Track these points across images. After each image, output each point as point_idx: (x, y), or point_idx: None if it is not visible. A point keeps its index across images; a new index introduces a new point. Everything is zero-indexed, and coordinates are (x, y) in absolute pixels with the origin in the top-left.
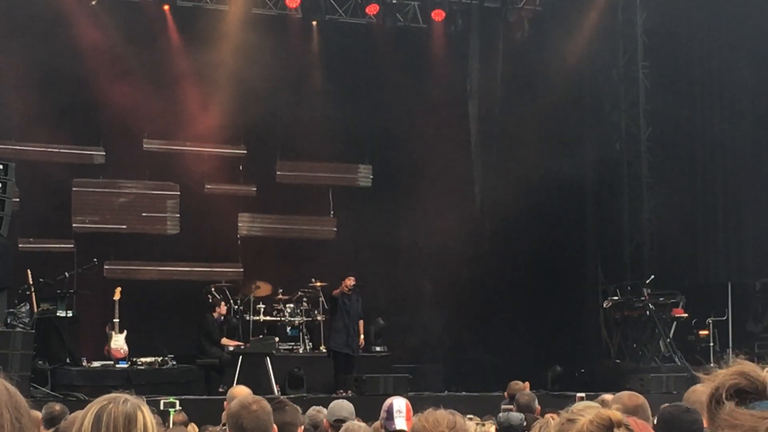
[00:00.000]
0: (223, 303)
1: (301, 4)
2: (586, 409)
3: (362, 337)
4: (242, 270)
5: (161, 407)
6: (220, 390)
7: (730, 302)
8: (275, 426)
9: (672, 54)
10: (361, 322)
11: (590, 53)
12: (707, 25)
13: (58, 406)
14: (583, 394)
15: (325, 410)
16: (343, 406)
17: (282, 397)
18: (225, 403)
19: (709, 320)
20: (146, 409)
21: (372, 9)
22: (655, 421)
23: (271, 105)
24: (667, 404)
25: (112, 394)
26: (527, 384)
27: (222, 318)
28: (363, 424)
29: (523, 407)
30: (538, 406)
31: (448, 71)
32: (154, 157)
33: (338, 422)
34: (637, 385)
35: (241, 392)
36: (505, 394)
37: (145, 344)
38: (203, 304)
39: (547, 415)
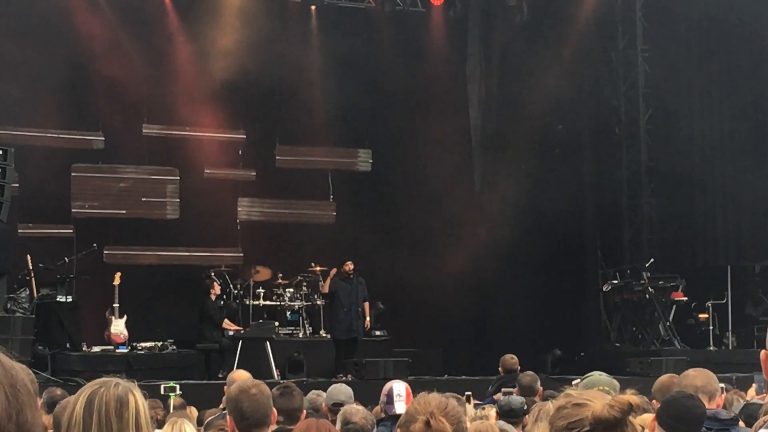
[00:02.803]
0: (215, 284)
1: None
2: (589, 393)
3: (368, 319)
4: (242, 255)
5: (162, 392)
6: (220, 375)
7: (730, 285)
8: (275, 410)
9: (671, 37)
10: (367, 304)
11: (589, 37)
12: (706, 8)
13: (59, 391)
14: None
15: (324, 394)
16: (341, 390)
17: (290, 381)
18: (225, 387)
19: (709, 304)
20: (138, 392)
21: None
22: (659, 406)
23: (271, 90)
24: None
25: (103, 378)
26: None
27: (222, 302)
28: (361, 407)
29: (525, 388)
30: (540, 387)
31: (447, 55)
32: (154, 142)
33: (336, 406)
34: (637, 368)
35: (240, 376)
36: (500, 369)
37: (144, 329)
38: (203, 289)
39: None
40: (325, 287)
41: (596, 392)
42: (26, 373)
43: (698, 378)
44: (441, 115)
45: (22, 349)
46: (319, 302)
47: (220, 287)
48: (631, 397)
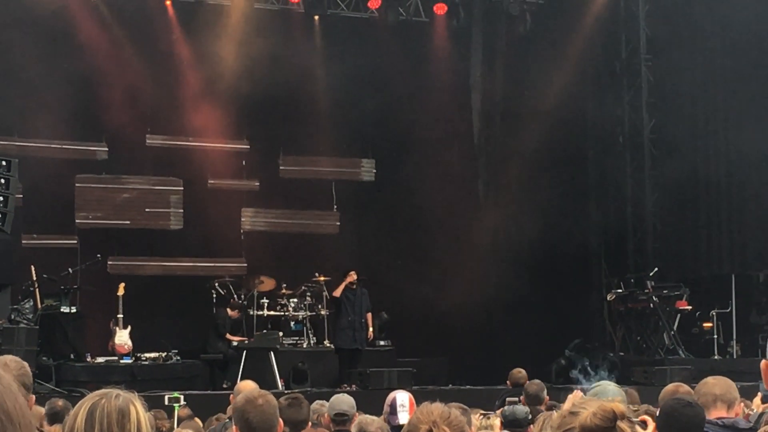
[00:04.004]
0: (240, 311)
1: None
2: (589, 402)
3: (371, 330)
4: (246, 265)
5: (166, 402)
6: (225, 385)
7: (734, 294)
8: (281, 420)
9: (675, 45)
10: (369, 315)
11: (592, 46)
12: (711, 17)
13: (60, 402)
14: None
15: (327, 404)
16: (343, 399)
17: (298, 393)
18: (231, 396)
19: (713, 312)
20: (138, 403)
21: (374, 3)
22: (657, 415)
23: (274, 99)
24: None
25: (104, 390)
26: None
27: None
28: (375, 417)
29: (531, 397)
30: (546, 396)
31: (451, 65)
32: (157, 152)
33: (339, 416)
34: (642, 377)
35: (247, 387)
36: (508, 383)
37: (149, 340)
38: (207, 299)
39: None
40: (338, 291)
41: (596, 401)
42: (16, 372)
43: (717, 386)
44: (445, 124)
45: (26, 361)
46: (323, 312)
47: (237, 314)
48: (615, 405)
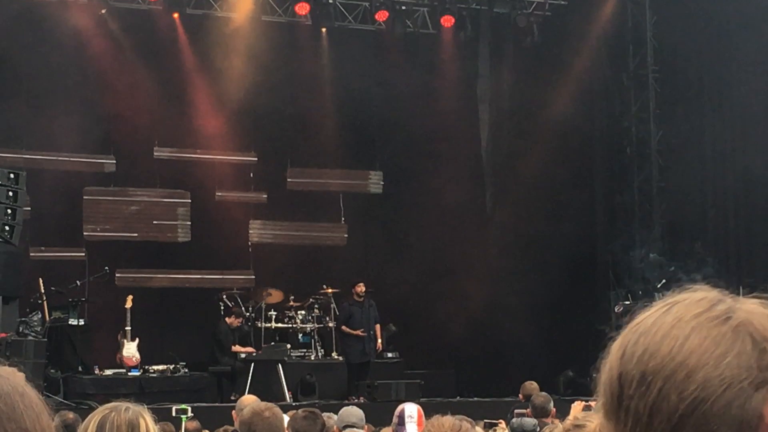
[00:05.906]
0: (238, 318)
1: (311, 11)
2: (591, 415)
3: (380, 341)
4: (253, 277)
5: (173, 414)
6: (233, 398)
7: None
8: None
9: (682, 58)
10: (378, 327)
11: (600, 58)
12: (718, 29)
13: (71, 414)
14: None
15: (336, 416)
16: (352, 412)
17: (315, 408)
18: (233, 412)
19: None
20: (148, 416)
21: (381, 15)
22: None
23: (282, 112)
24: None
25: (113, 403)
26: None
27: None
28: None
29: (537, 409)
30: (553, 408)
31: (458, 77)
32: (165, 164)
33: (348, 428)
34: None
35: (249, 401)
36: (520, 395)
37: (157, 352)
38: (215, 311)
39: (556, 422)
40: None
41: (597, 415)
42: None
43: None
44: (452, 137)
45: (34, 373)
46: (330, 324)
47: (239, 321)
48: None
